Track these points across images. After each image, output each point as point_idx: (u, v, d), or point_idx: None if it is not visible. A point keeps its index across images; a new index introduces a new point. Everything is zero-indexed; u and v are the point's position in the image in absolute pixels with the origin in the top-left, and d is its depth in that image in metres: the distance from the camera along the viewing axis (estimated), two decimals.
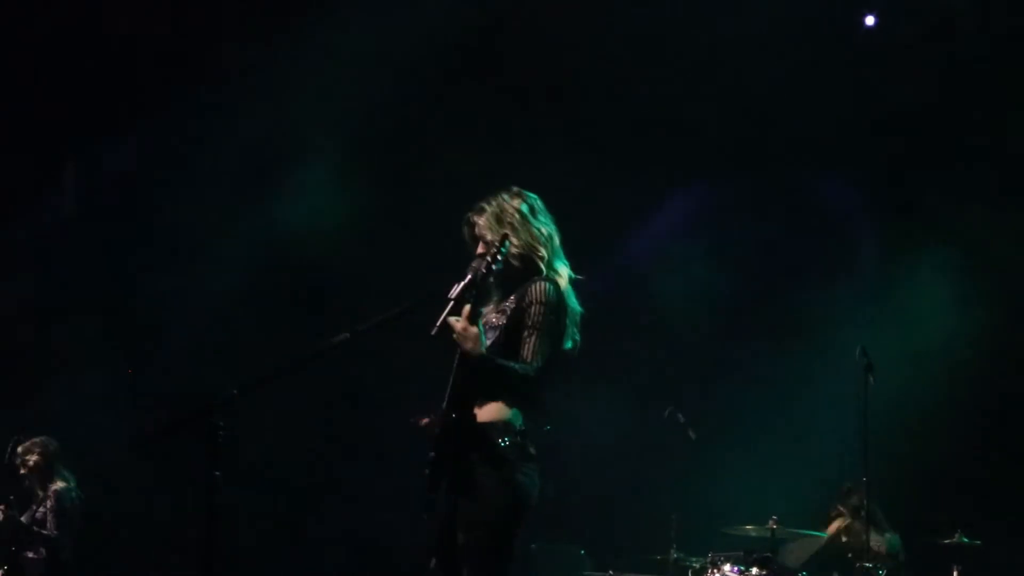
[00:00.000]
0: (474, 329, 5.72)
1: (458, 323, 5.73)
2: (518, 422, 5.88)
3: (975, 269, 11.36)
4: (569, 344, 6.03)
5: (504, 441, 5.81)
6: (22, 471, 10.11)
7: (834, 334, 10.91)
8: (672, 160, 11.66)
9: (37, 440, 10.15)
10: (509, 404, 5.87)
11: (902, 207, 11.72)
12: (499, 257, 5.88)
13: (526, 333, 5.88)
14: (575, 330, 6.04)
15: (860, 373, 9.15)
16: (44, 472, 10.08)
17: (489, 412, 5.87)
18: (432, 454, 5.81)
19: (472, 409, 5.87)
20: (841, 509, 10.39)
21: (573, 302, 6.06)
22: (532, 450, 5.88)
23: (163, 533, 11.14)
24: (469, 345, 5.72)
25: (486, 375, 5.82)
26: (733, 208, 11.79)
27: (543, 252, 6.02)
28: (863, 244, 11.80)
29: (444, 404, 5.86)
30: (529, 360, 5.83)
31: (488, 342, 5.87)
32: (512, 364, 5.84)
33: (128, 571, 11.32)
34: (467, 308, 5.73)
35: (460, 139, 11.47)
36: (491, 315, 6.04)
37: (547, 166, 10.20)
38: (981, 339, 11.22)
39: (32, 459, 10.10)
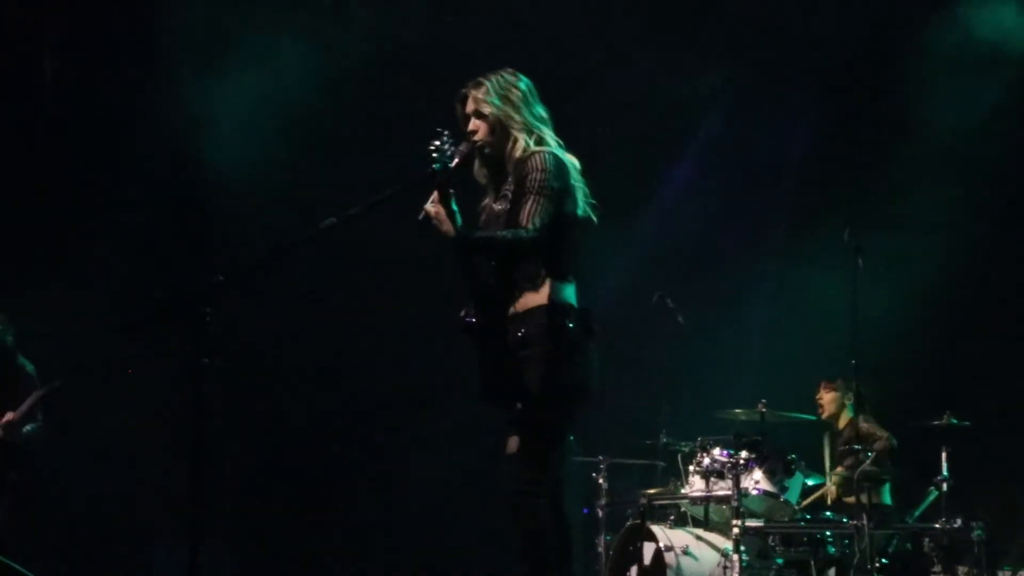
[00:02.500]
0: (443, 209, 5.63)
1: (431, 207, 5.66)
2: (574, 301, 5.79)
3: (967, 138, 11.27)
4: (582, 212, 5.88)
5: (569, 323, 5.72)
6: None
7: (825, 216, 10.83)
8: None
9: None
10: (558, 283, 5.76)
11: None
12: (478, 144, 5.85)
13: (522, 200, 5.73)
14: (588, 195, 5.91)
15: (849, 255, 9.11)
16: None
17: (541, 296, 5.75)
18: (482, 358, 5.79)
19: (515, 300, 5.78)
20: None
21: (575, 171, 5.92)
22: (594, 327, 5.81)
23: (151, 425, 11.13)
24: (444, 227, 5.64)
25: (479, 253, 5.76)
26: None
27: (545, 133, 5.90)
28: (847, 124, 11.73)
29: (474, 303, 5.81)
30: (525, 224, 5.67)
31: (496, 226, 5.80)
32: (499, 233, 5.73)
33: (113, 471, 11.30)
34: (435, 193, 5.65)
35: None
36: (495, 204, 5.93)
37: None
38: (974, 216, 11.17)
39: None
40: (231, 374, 9.13)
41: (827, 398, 10.46)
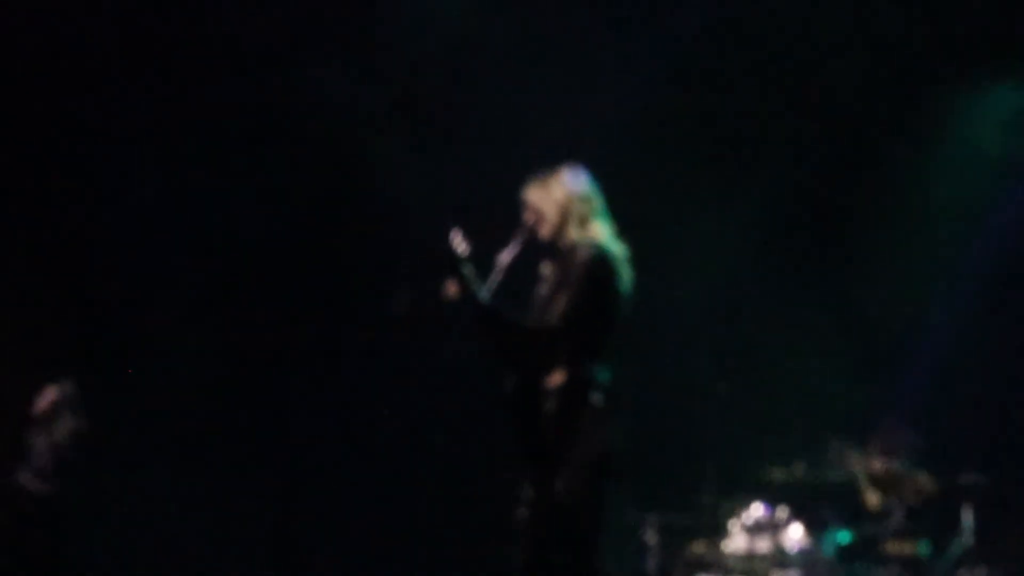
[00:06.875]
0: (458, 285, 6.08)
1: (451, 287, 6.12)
2: (605, 378, 6.20)
3: None
4: (622, 294, 6.28)
5: (598, 398, 6.13)
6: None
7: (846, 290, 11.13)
8: None
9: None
10: (590, 362, 6.16)
11: None
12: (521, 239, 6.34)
13: (562, 295, 6.19)
14: (628, 281, 6.31)
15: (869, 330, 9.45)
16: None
17: (572, 373, 6.13)
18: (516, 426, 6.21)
19: (550, 375, 6.15)
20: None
21: (615, 248, 6.32)
22: (621, 403, 6.21)
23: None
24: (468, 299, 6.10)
25: (500, 328, 6.16)
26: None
27: (557, 219, 6.33)
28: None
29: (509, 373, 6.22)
30: (554, 321, 6.14)
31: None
32: (522, 321, 6.18)
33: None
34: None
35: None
36: (542, 285, 6.41)
37: None
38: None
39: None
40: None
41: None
